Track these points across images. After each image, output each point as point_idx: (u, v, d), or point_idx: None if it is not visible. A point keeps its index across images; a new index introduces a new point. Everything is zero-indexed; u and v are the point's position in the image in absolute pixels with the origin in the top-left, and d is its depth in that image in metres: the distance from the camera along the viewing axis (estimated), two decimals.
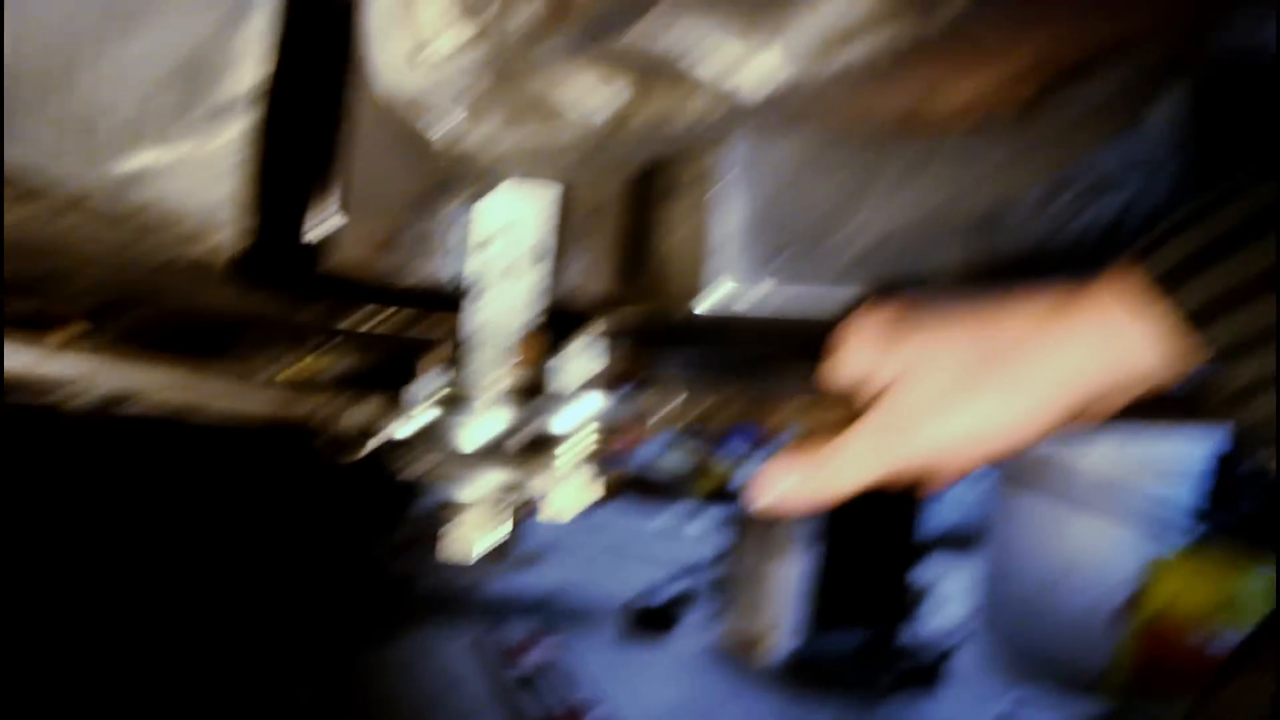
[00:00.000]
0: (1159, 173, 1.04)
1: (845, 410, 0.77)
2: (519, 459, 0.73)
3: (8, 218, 0.73)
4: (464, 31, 0.72)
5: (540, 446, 0.71)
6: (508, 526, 0.77)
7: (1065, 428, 0.69)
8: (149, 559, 3.08)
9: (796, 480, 0.74)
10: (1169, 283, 0.64)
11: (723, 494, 5.67)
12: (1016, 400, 0.68)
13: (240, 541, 3.26)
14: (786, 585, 2.98)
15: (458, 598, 3.33)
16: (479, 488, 0.76)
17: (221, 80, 0.73)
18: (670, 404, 0.71)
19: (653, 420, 0.72)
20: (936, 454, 0.71)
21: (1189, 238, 0.64)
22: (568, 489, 0.68)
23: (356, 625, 2.88)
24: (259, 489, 3.40)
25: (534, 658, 2.62)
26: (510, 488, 0.74)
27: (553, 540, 4.36)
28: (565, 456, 0.69)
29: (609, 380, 0.71)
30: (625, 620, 3.16)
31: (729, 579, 3.16)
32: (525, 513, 0.79)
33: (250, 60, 0.74)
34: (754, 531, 3.05)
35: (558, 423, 0.68)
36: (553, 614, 3.26)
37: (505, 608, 3.24)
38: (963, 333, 0.71)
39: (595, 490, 0.68)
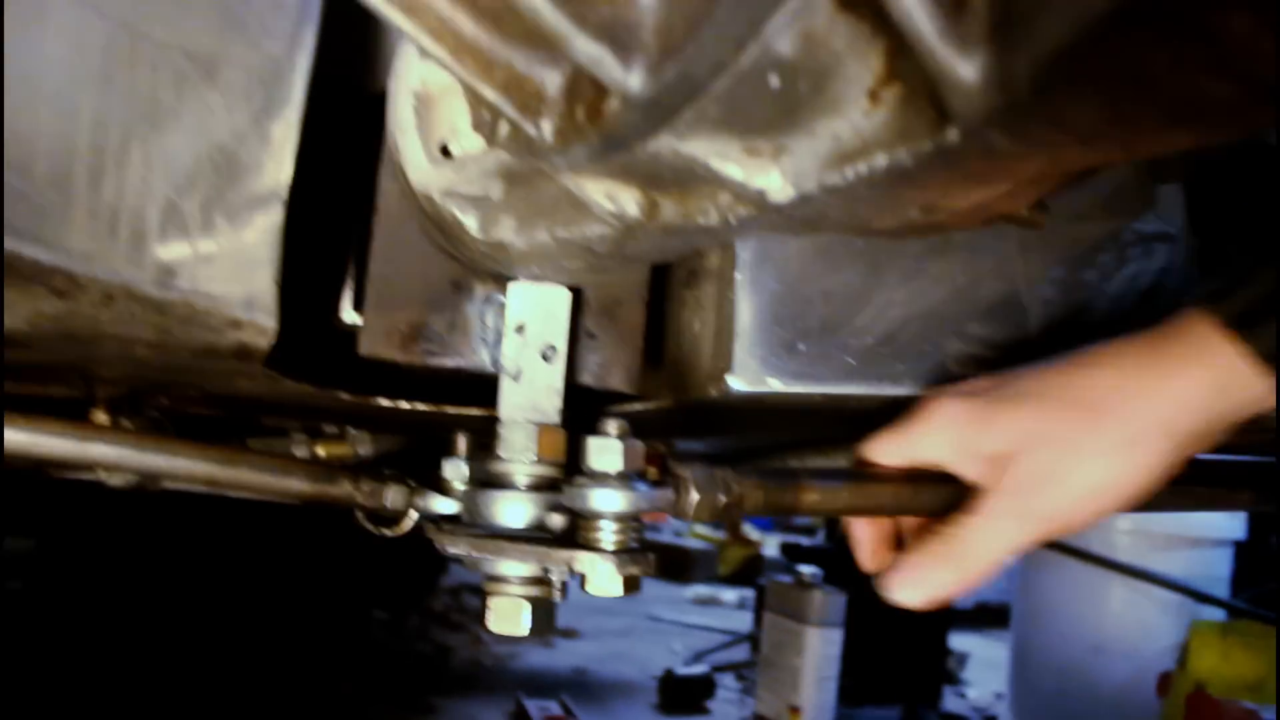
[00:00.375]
0: (1178, 244, 1.06)
1: (934, 494, 0.82)
2: (555, 540, 0.75)
3: (48, 310, 0.76)
4: (478, 136, 0.74)
5: (575, 530, 0.72)
6: (546, 604, 0.78)
7: (1174, 471, 0.74)
8: (187, 631, 3.11)
9: (937, 575, 0.78)
10: (1245, 325, 0.70)
11: (751, 568, 5.65)
12: (1130, 451, 0.73)
13: (278, 613, 3.28)
14: (819, 660, 2.95)
15: (494, 670, 3.32)
16: (516, 566, 0.77)
17: (253, 173, 0.75)
18: (698, 494, 0.72)
19: (682, 510, 0.73)
20: (1065, 520, 0.75)
21: (1260, 283, 0.71)
22: (603, 572, 0.69)
23: (397, 696, 2.88)
24: (299, 562, 3.43)
25: None
26: (547, 567, 0.76)
27: (587, 612, 4.35)
28: (600, 541, 0.70)
29: (636, 468, 0.73)
30: (660, 693, 3.14)
31: (761, 653, 3.14)
32: (562, 591, 0.80)
33: (280, 153, 0.76)
34: (785, 605, 3.03)
35: (594, 510, 0.70)
36: (588, 686, 3.25)
37: (541, 679, 3.23)
38: (1057, 400, 0.75)
39: (629, 575, 0.70)
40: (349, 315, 1.00)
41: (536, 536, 0.76)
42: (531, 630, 0.78)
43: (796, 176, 0.48)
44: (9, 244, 0.64)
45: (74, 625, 3.06)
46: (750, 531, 6.66)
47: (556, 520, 0.77)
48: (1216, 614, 3.03)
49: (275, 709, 2.65)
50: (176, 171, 0.72)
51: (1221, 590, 3.10)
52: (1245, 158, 1.10)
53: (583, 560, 0.69)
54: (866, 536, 0.90)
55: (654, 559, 0.71)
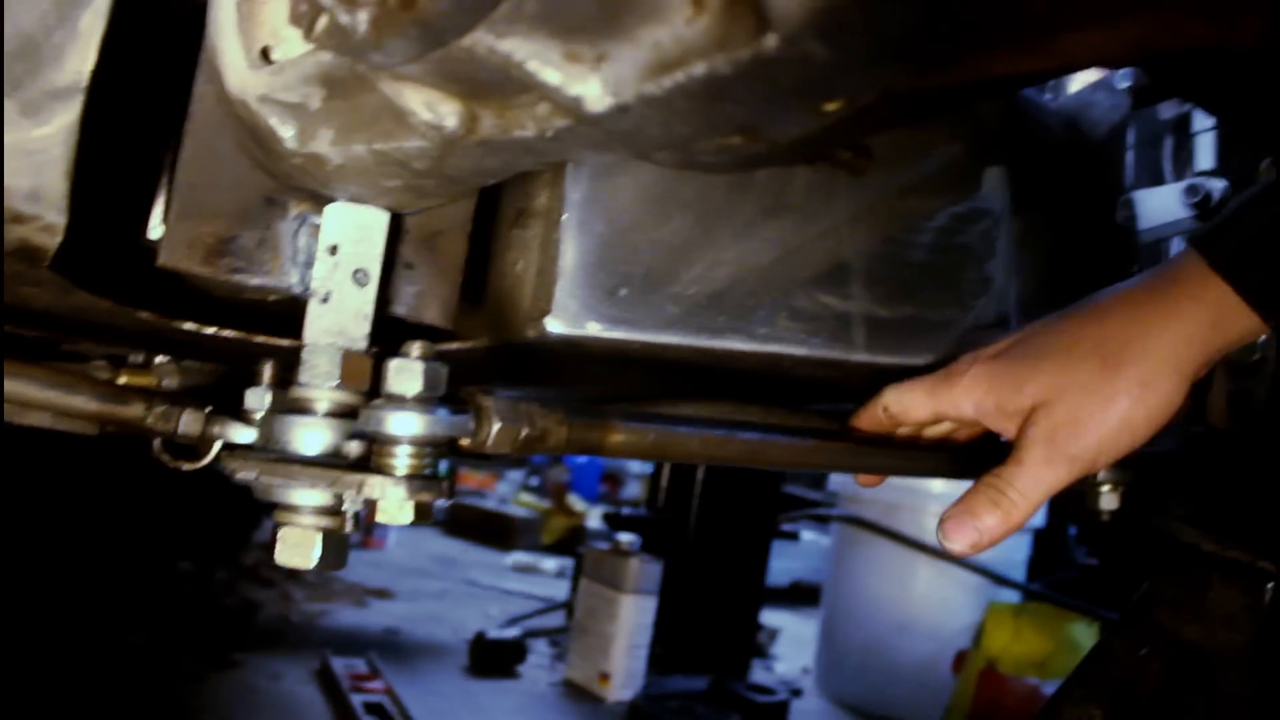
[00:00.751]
0: (1001, 223, 1.09)
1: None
2: (353, 467, 0.71)
3: None
4: (299, 37, 0.71)
5: (373, 456, 0.69)
6: (338, 537, 0.75)
7: (1182, 400, 0.84)
8: None
9: (986, 522, 0.84)
10: (1235, 265, 0.80)
11: (573, 537, 5.67)
12: (1145, 390, 0.82)
13: (77, 556, 3.14)
14: (631, 627, 2.97)
15: (302, 627, 3.24)
16: (307, 494, 0.74)
17: (53, 63, 0.70)
18: (499, 423, 0.70)
19: (481, 441, 0.70)
20: (1094, 459, 0.84)
21: (1247, 225, 0.82)
22: (393, 497, 0.66)
23: (199, 649, 2.78)
24: (98, 500, 3.29)
25: (379, 688, 2.56)
26: (344, 495, 0.73)
27: (403, 574, 4.30)
28: (393, 466, 0.68)
29: (440, 399, 0.70)
30: (470, 655, 3.11)
31: (575, 620, 3.14)
32: (354, 524, 0.77)
33: (85, 45, 0.71)
34: (601, 572, 3.04)
35: (389, 434, 0.67)
36: (398, 646, 3.20)
37: (350, 638, 3.17)
38: (1076, 352, 0.85)
39: (420, 502, 0.67)
40: (156, 232, 0.94)
41: (330, 462, 0.73)
42: (320, 564, 0.75)
43: (615, 85, 0.47)
44: None
45: None
46: (575, 502, 6.68)
47: (354, 448, 0.74)
48: (1012, 596, 3.17)
49: (64, 659, 2.53)
50: None
51: (1019, 574, 3.24)
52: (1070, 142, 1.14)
53: (373, 484, 0.66)
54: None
55: (448, 486, 0.68)
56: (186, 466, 1.20)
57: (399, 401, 0.67)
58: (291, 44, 0.75)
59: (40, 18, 0.69)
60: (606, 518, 4.18)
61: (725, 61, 0.43)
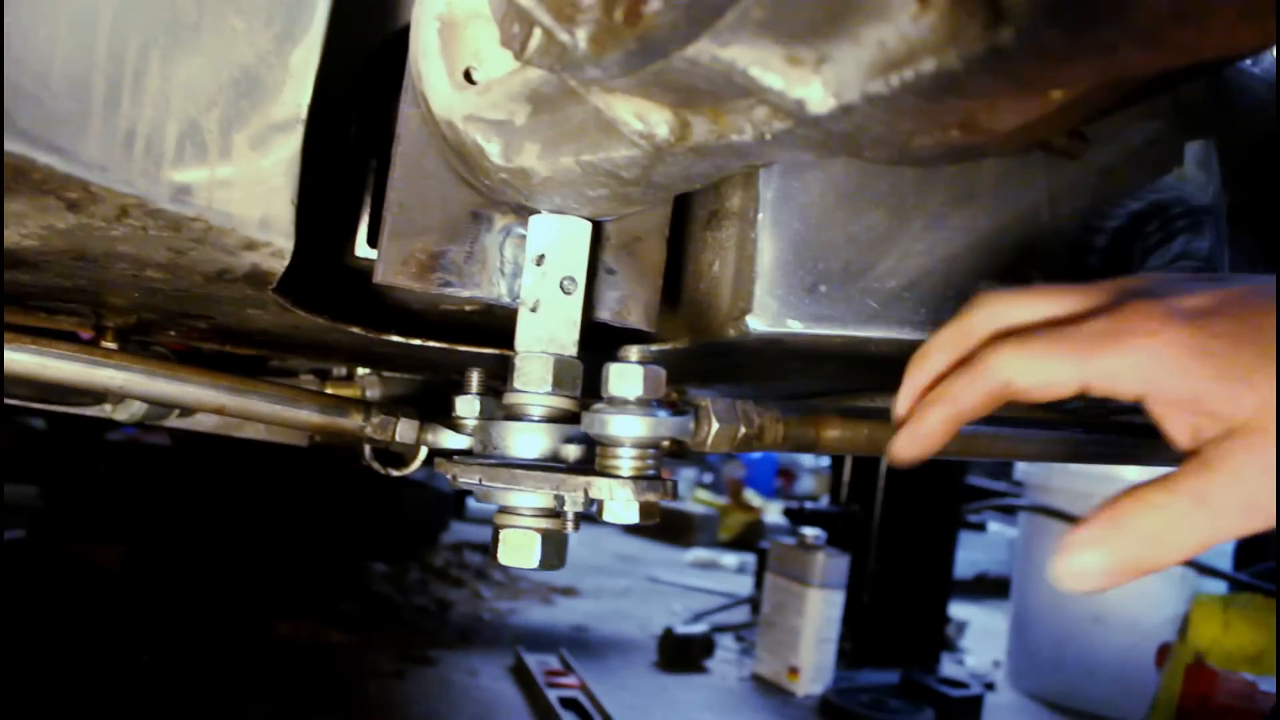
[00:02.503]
0: (1218, 219, 1.05)
1: None
2: (573, 469, 0.73)
3: (60, 225, 0.74)
4: (508, 56, 0.73)
5: (597, 459, 0.71)
6: (557, 537, 0.77)
7: None
8: (189, 577, 3.11)
9: (1115, 558, 0.58)
10: None
11: (751, 533, 5.67)
12: None
13: (279, 562, 3.29)
14: (819, 621, 2.95)
15: (493, 624, 3.33)
16: (528, 497, 0.76)
17: (273, 97, 0.74)
18: (717, 423, 0.71)
19: (701, 440, 0.71)
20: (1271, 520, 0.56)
21: None
22: (620, 498, 0.68)
23: (396, 647, 2.88)
24: (302, 514, 3.44)
25: (573, 684, 2.61)
26: (560, 499, 0.75)
27: (587, 572, 4.36)
28: (617, 468, 0.69)
29: (656, 396, 0.71)
30: (659, 651, 3.15)
31: (761, 614, 3.14)
32: (575, 524, 0.79)
33: (301, 79, 0.74)
34: (787, 567, 3.03)
35: (612, 437, 0.68)
36: (587, 643, 3.26)
37: (540, 635, 3.24)
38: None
39: (646, 502, 0.68)
40: (363, 251, 0.98)
41: (551, 465, 0.75)
42: (541, 563, 0.77)
43: (839, 86, 0.47)
44: (23, 150, 0.62)
45: (75, 574, 3.07)
46: (752, 497, 6.67)
47: (571, 451, 0.76)
48: (1218, 587, 3.03)
49: (273, 655, 2.65)
50: (196, 89, 0.71)
51: (1224, 564, 3.10)
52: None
53: (599, 486, 0.68)
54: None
55: (672, 486, 0.70)
56: (395, 473, 1.25)
57: (621, 404, 0.69)
58: (494, 64, 0.77)
59: (260, 55, 0.73)
60: (788, 513, 4.16)
61: (956, 57, 0.42)
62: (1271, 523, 0.55)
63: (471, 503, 5.43)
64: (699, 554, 5.28)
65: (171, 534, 3.36)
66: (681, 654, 3.11)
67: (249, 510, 3.46)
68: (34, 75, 0.64)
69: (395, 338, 0.99)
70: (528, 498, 0.76)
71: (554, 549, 0.78)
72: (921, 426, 0.68)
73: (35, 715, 2.14)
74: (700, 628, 3.26)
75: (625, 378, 0.67)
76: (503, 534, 0.78)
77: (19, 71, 0.63)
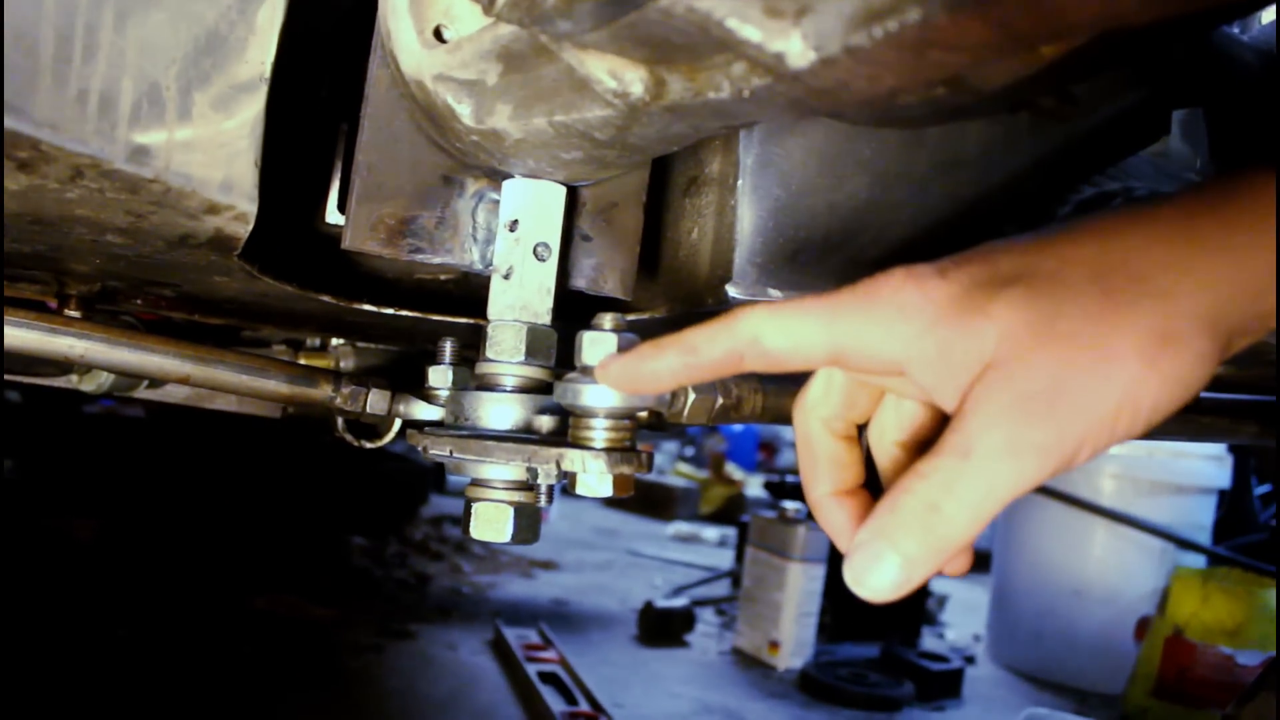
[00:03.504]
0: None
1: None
2: (547, 441, 0.71)
3: (12, 186, 0.72)
4: (479, 12, 0.70)
5: (570, 430, 0.69)
6: (530, 511, 0.75)
7: (1205, 382, 0.53)
8: (163, 551, 3.09)
9: (904, 548, 0.53)
10: None
11: (733, 507, 5.67)
12: (1163, 351, 0.51)
13: (257, 535, 3.27)
14: (800, 595, 2.95)
15: (472, 598, 3.31)
16: (501, 469, 0.74)
17: (237, 58, 0.71)
18: (694, 394, 0.69)
19: (678, 411, 0.69)
20: (1075, 451, 0.52)
21: None
22: (593, 470, 0.66)
23: (376, 620, 2.87)
24: (280, 487, 3.42)
25: (552, 658, 2.60)
26: (533, 471, 0.73)
27: (567, 546, 4.35)
28: (591, 439, 0.67)
29: None
30: (639, 625, 3.14)
31: (742, 588, 3.14)
32: (548, 497, 0.77)
33: (265, 38, 0.72)
34: (768, 541, 3.03)
35: (586, 407, 0.66)
36: (567, 616, 3.25)
37: (519, 609, 3.23)
38: (1066, 281, 0.54)
39: (620, 474, 0.66)
40: (333, 217, 0.96)
41: (524, 437, 0.73)
42: (514, 537, 0.75)
43: (819, 38, 0.45)
44: None
45: (49, 547, 3.05)
46: (733, 471, 6.67)
47: (545, 422, 0.74)
48: (1198, 561, 3.04)
49: (251, 629, 2.63)
50: (154, 47, 0.68)
51: (1204, 538, 3.11)
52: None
53: (572, 457, 0.66)
54: (841, 516, 0.67)
55: (647, 458, 0.68)
56: (369, 445, 1.23)
57: (594, 374, 0.67)
58: (465, 21, 0.75)
59: (223, 13, 0.70)
60: (769, 486, 4.16)
61: (941, 6, 0.40)
62: (1050, 458, 0.51)
63: (452, 477, 5.41)
64: (680, 527, 5.28)
65: (148, 507, 3.34)
66: (662, 628, 3.10)
67: (226, 484, 3.44)
68: None
69: (367, 306, 0.97)
70: (500, 470, 0.74)
71: (527, 522, 0.76)
72: (645, 362, 0.61)
73: (9, 690, 2.11)
74: (681, 602, 3.25)
75: (599, 346, 0.64)
76: (475, 507, 0.76)
77: None
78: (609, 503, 5.85)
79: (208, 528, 3.29)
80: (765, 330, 0.58)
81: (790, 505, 3.06)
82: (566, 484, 0.69)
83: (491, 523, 0.75)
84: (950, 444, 0.53)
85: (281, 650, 2.53)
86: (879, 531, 0.53)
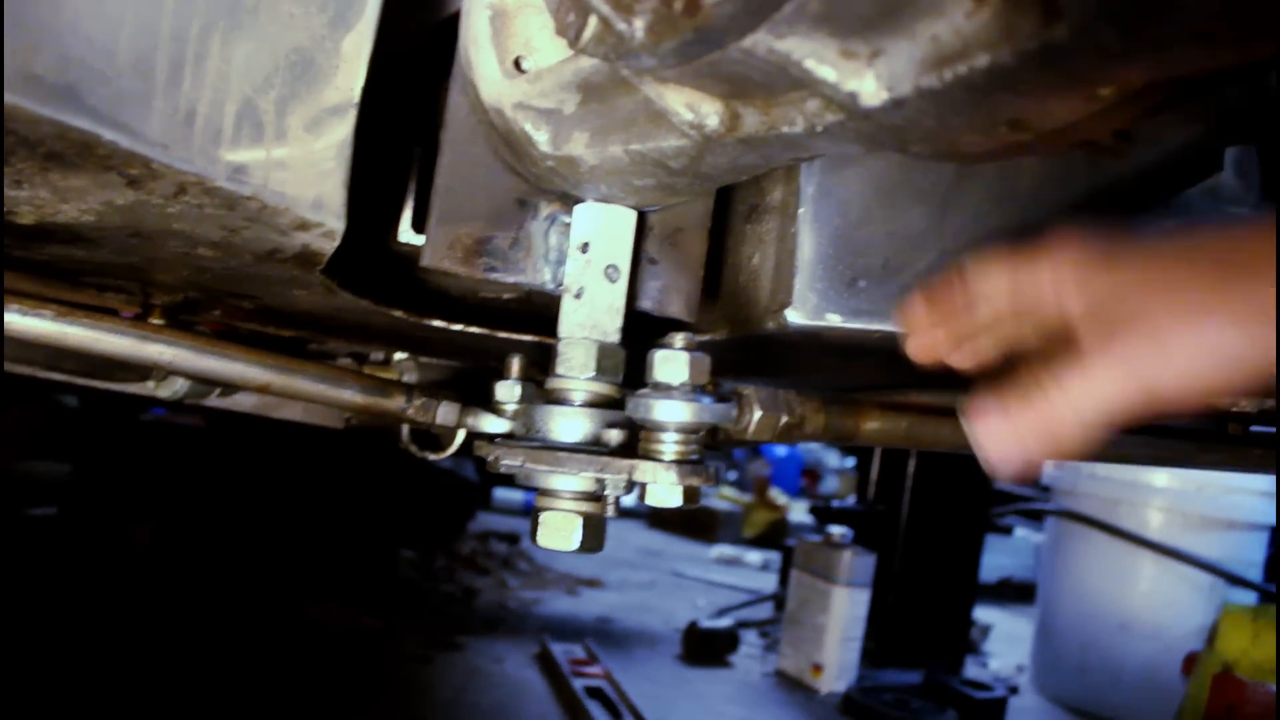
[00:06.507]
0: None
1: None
2: (614, 454, 0.74)
3: (119, 201, 0.76)
4: (560, 45, 0.74)
5: (635, 442, 0.72)
6: (597, 521, 0.78)
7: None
8: (217, 559, 3.15)
9: (1023, 427, 0.65)
10: None
11: (775, 531, 5.67)
12: (1264, 321, 0.60)
13: (310, 547, 3.32)
14: (844, 619, 2.96)
15: (518, 613, 3.35)
16: (570, 480, 0.77)
17: (329, 83, 0.75)
18: (760, 411, 0.72)
19: (743, 427, 0.72)
20: (1173, 390, 0.63)
21: None
22: (664, 481, 0.69)
23: (424, 632, 2.91)
24: (332, 500, 3.47)
25: (598, 673, 2.62)
26: (601, 482, 0.76)
27: (611, 565, 4.38)
28: (661, 452, 0.70)
29: (700, 382, 0.72)
30: (683, 644, 3.16)
31: (786, 610, 3.15)
32: (615, 508, 0.80)
33: (354, 63, 0.76)
34: (813, 565, 3.04)
35: (657, 421, 0.69)
36: (611, 634, 3.27)
37: (565, 625, 3.25)
38: (1190, 257, 0.64)
39: (689, 486, 0.69)
40: (406, 236, 1.00)
41: (594, 450, 0.77)
42: (582, 546, 0.78)
43: (891, 79, 0.48)
44: (89, 126, 0.64)
45: (107, 551, 3.11)
46: (776, 495, 6.67)
47: (613, 436, 0.77)
48: (1248, 598, 3.02)
49: (302, 636, 2.68)
50: (254, 71, 0.72)
51: (1254, 575, 3.08)
52: None
53: (644, 470, 0.69)
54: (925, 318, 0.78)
55: (715, 471, 0.71)
56: (433, 456, 1.27)
57: (666, 390, 0.70)
58: (544, 53, 0.79)
59: (317, 40, 0.74)
60: (814, 511, 4.17)
61: (1010, 53, 0.43)
62: (1155, 400, 0.63)
63: (498, 493, 5.45)
64: (723, 550, 5.29)
65: (202, 514, 3.40)
66: (705, 648, 3.12)
67: (277, 493, 3.49)
68: (101, 53, 0.65)
69: (437, 322, 1.01)
70: (569, 481, 0.77)
71: (593, 532, 0.79)
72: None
73: (70, 688, 2.17)
74: (724, 622, 3.26)
75: (671, 363, 0.68)
76: (543, 516, 0.79)
77: (88, 49, 0.64)
78: (653, 523, 5.88)
79: (259, 535, 3.34)
80: (975, 274, 0.72)
81: (836, 530, 3.07)
82: (636, 495, 0.72)
83: (560, 531, 0.78)
84: (1070, 357, 0.65)
85: (331, 658, 2.57)
86: (1003, 411, 0.66)
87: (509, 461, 0.78)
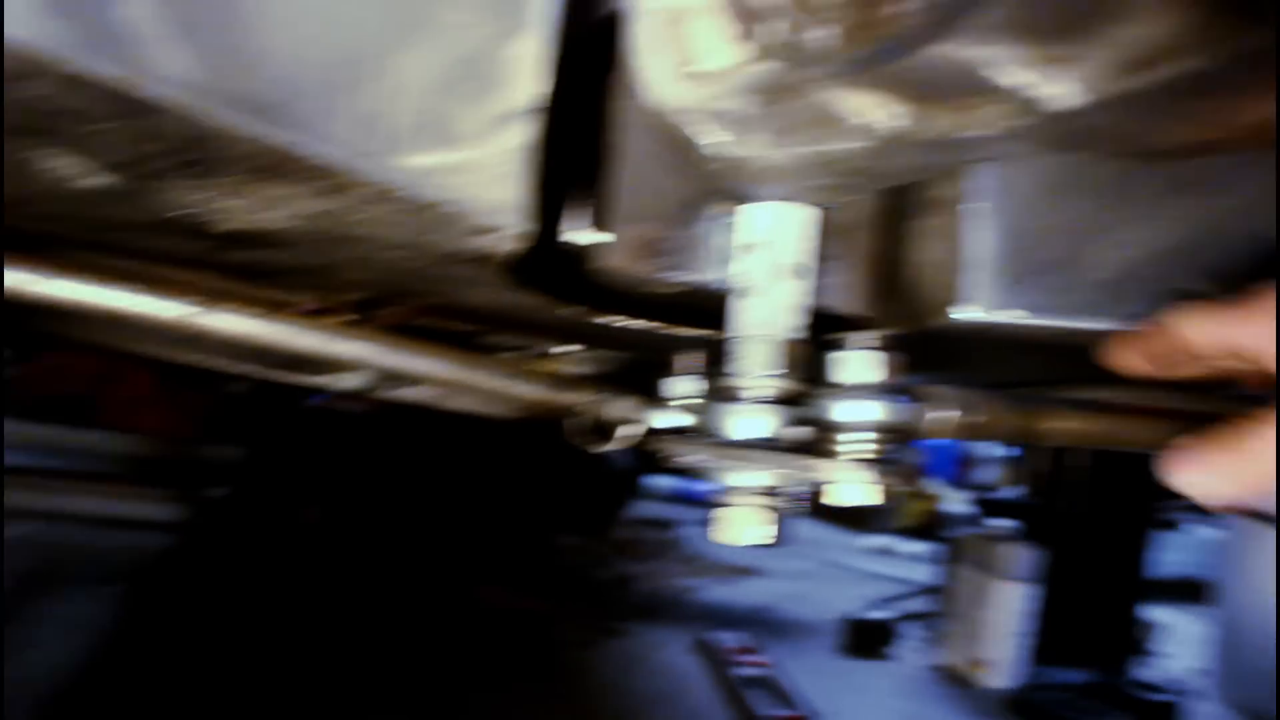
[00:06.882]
0: None
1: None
2: (799, 450, 0.75)
3: (315, 208, 0.80)
4: (739, 50, 0.75)
5: (821, 441, 0.73)
6: (777, 515, 0.79)
7: None
8: (383, 542, 3.26)
9: (1218, 468, 0.66)
10: None
11: (929, 521, 5.57)
12: None
13: (472, 532, 3.41)
14: (1009, 615, 2.90)
15: (675, 601, 3.38)
16: (751, 477, 0.78)
17: (503, 87, 0.78)
18: (948, 413, 0.72)
19: (930, 427, 0.72)
20: None
21: None
22: (855, 482, 0.70)
23: (584, 617, 2.97)
24: (493, 485, 3.56)
25: (758, 662, 2.64)
26: (791, 478, 0.77)
27: (766, 553, 4.38)
28: (851, 451, 0.71)
29: (878, 388, 0.73)
30: (842, 635, 3.14)
31: (948, 605, 3.10)
32: (797, 506, 0.81)
33: (529, 69, 0.78)
34: (977, 558, 2.99)
35: (844, 421, 0.70)
36: (769, 623, 3.28)
37: (722, 614, 3.27)
38: None
39: (881, 486, 0.70)
40: (572, 234, 1.02)
41: (778, 446, 0.77)
42: (758, 542, 0.79)
43: (1085, 84, 0.47)
44: (291, 137, 0.67)
45: (280, 531, 3.25)
46: (930, 485, 6.55)
47: (793, 434, 0.78)
48: None
49: (469, 617, 2.76)
50: (437, 77, 0.75)
51: None
52: None
53: (831, 468, 0.69)
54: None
55: (907, 470, 0.71)
56: (597, 448, 1.29)
57: (853, 389, 0.70)
58: (718, 56, 0.79)
59: (499, 43, 0.76)
60: (978, 502, 4.09)
61: (1211, 57, 0.42)
62: None
63: (648, 480, 5.50)
64: (877, 540, 5.23)
65: (369, 497, 3.52)
66: (865, 640, 3.09)
67: (439, 477, 3.59)
68: (299, 70, 0.68)
69: (605, 318, 1.03)
70: (750, 477, 0.78)
71: (771, 529, 0.80)
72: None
73: (248, 663, 2.28)
74: (884, 614, 3.23)
75: (859, 362, 0.68)
76: (721, 512, 0.80)
77: (289, 68, 0.68)
78: (808, 512, 5.84)
79: (423, 517, 3.44)
80: (1182, 325, 0.75)
81: (1000, 523, 3.01)
82: (818, 493, 0.73)
83: (738, 526, 0.79)
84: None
85: (500, 639, 2.64)
86: (1201, 449, 0.66)
87: (691, 457, 0.79)
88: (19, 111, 0.66)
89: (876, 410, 0.68)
